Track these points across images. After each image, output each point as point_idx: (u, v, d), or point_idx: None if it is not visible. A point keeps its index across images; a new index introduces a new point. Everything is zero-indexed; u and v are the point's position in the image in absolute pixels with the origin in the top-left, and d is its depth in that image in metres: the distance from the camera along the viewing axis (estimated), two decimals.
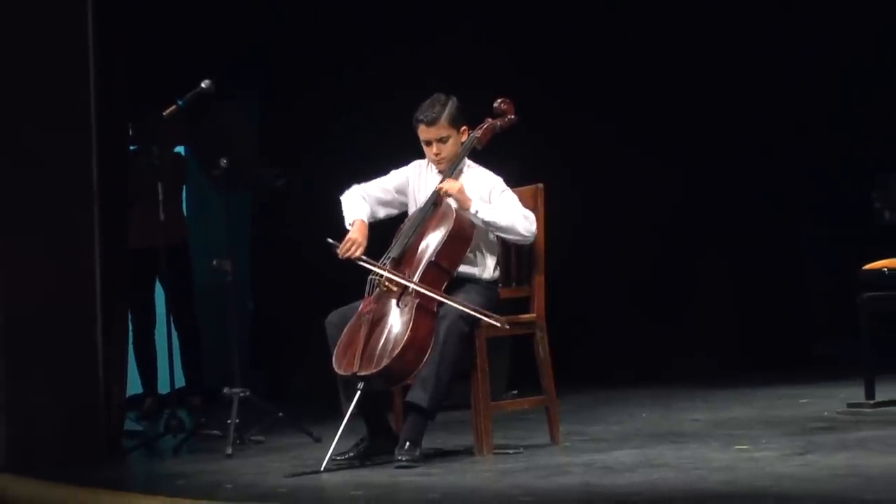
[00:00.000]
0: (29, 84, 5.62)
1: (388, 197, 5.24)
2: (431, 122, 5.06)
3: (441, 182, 5.07)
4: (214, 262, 5.97)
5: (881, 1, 7.97)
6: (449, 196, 5.03)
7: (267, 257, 8.65)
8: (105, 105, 5.81)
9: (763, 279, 8.83)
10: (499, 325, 4.90)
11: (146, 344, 7.39)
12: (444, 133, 5.08)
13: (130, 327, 7.43)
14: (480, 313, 4.89)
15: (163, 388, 7.51)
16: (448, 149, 5.11)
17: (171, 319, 7.41)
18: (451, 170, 5.13)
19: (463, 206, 5.02)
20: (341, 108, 8.42)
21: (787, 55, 8.49)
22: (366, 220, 5.14)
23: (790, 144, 8.50)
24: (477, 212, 5.01)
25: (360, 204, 5.18)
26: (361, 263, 5.03)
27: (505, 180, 5.16)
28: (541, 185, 5.19)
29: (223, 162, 5.92)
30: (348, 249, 5.03)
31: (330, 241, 5.08)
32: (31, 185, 5.62)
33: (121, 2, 5.96)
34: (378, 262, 5.00)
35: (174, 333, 7.10)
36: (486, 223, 5.02)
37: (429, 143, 5.11)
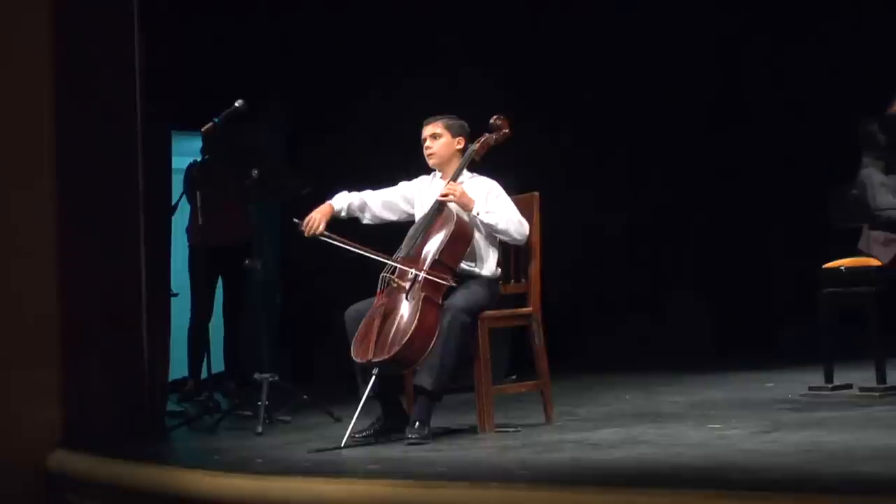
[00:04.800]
0: (84, 111, 5.62)
1: (393, 201, 5.23)
2: (429, 121, 5.15)
3: (444, 189, 5.06)
4: (246, 262, 5.95)
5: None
6: (452, 199, 5.01)
7: (293, 257, 8.65)
8: (150, 126, 5.81)
9: (736, 277, 8.82)
10: (389, 262, 4.91)
11: (201, 334, 7.35)
12: (437, 130, 5.12)
13: (189, 317, 7.46)
14: (378, 255, 4.92)
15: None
16: (438, 146, 5.13)
17: (223, 312, 7.45)
18: (453, 177, 5.11)
19: (466, 208, 5.01)
20: (361, 125, 8.43)
21: (761, 73, 8.48)
22: (334, 207, 5.14)
23: (764, 158, 8.49)
24: (478, 214, 5.00)
25: (344, 196, 5.19)
26: (325, 239, 5.04)
27: (503, 187, 5.15)
28: (536, 194, 5.18)
29: (254, 173, 5.90)
30: (308, 227, 5.05)
31: (295, 220, 5.10)
32: (85, 196, 5.62)
33: (164, 30, 5.95)
34: (341, 238, 4.99)
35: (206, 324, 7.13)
36: (485, 224, 5.02)
37: (424, 141, 5.13)
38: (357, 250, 4.96)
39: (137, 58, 5.72)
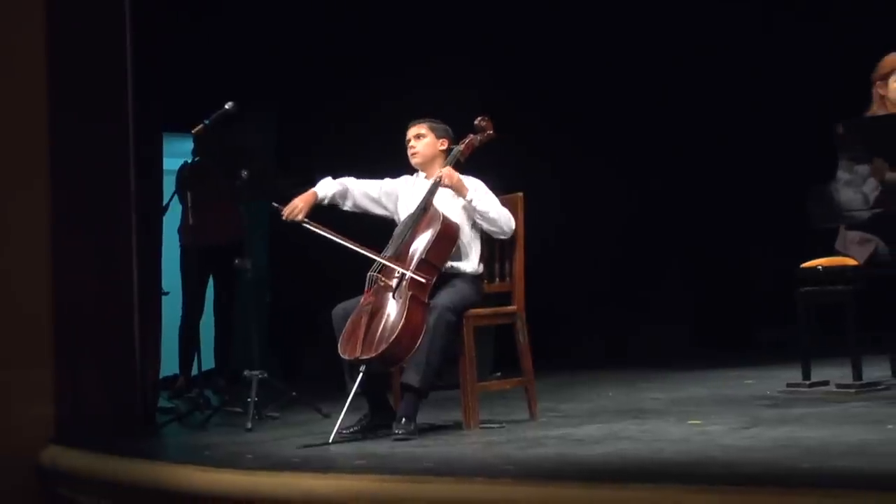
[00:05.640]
0: (76, 112, 5.63)
1: (375, 194, 5.24)
2: (414, 123, 5.20)
3: (443, 170, 5.07)
4: (236, 261, 5.96)
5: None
6: (451, 181, 5.02)
7: (282, 257, 8.65)
8: (141, 129, 5.82)
9: (716, 276, 8.85)
10: (369, 255, 4.92)
11: (192, 332, 7.34)
12: (422, 130, 5.17)
13: (181, 314, 7.46)
14: (358, 246, 4.91)
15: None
16: (422, 146, 5.17)
17: (214, 311, 7.44)
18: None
19: (460, 193, 5.04)
20: (347, 126, 8.43)
21: (740, 75, 8.50)
22: (318, 194, 5.15)
23: (743, 160, 8.51)
24: (471, 199, 5.03)
25: (328, 183, 5.20)
26: (305, 226, 5.05)
27: (489, 187, 5.17)
28: (520, 194, 5.19)
29: (244, 174, 5.90)
30: (290, 212, 5.06)
31: (275, 204, 5.11)
32: (77, 197, 5.62)
33: (156, 32, 5.96)
34: (323, 227, 4.99)
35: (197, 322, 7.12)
36: (478, 210, 5.04)
37: (409, 141, 5.17)
38: (338, 240, 4.96)
39: (129, 59, 5.73)
